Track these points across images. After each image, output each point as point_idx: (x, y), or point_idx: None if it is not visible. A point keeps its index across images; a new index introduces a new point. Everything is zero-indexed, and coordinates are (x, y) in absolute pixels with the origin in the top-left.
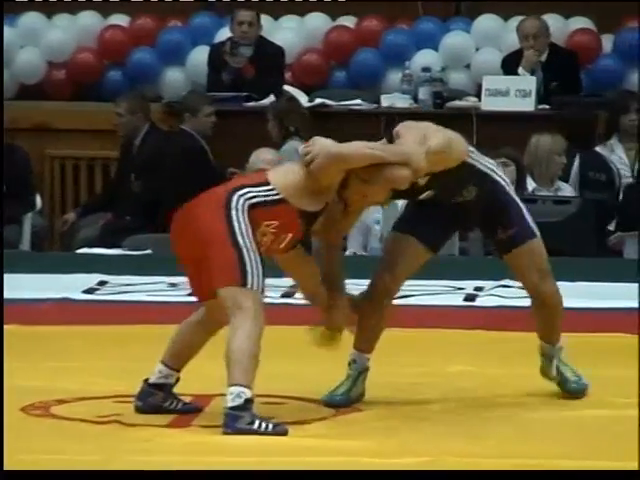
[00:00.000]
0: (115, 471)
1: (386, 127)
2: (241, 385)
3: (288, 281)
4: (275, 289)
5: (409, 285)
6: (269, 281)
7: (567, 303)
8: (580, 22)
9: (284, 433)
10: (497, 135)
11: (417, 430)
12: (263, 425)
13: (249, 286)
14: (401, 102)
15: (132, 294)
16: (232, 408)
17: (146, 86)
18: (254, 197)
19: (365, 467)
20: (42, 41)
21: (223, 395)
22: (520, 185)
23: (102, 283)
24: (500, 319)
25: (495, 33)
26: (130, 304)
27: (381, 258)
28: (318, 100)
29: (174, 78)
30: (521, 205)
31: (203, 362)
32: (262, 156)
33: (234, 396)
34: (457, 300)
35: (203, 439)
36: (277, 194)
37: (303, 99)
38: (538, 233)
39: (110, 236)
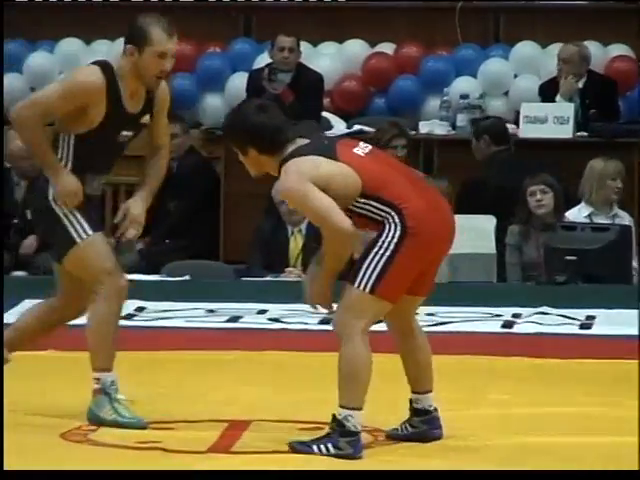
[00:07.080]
0: None
1: (424, 154)
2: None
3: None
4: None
5: (447, 312)
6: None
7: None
8: (619, 49)
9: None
10: (536, 162)
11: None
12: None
13: None
14: (439, 129)
15: (170, 320)
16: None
17: (185, 111)
18: None
19: None
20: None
21: (261, 420)
22: (558, 211)
23: (140, 309)
24: (538, 346)
25: (533, 60)
26: (168, 330)
27: None
28: (356, 127)
29: (213, 104)
30: None
31: (240, 387)
32: None
33: None
34: (495, 327)
35: (242, 463)
36: None
37: (341, 126)
38: None
39: (148, 262)
